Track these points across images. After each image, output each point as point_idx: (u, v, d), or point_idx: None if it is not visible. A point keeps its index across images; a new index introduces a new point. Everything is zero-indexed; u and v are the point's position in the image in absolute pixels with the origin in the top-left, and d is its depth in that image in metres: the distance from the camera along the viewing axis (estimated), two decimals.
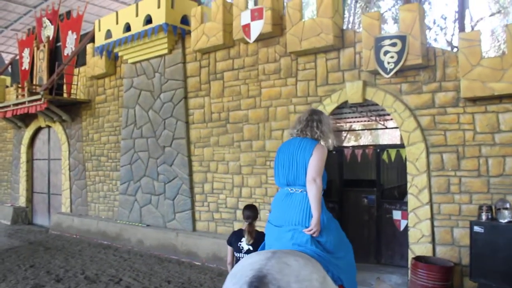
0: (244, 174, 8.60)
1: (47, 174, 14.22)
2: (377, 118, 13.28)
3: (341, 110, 11.35)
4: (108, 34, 10.70)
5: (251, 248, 4.41)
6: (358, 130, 19.40)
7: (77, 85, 12.59)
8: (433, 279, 5.95)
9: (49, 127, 13.94)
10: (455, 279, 6.25)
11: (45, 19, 14.27)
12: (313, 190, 3.32)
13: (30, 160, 14.90)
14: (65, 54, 13.01)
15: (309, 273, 2.81)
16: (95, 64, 11.66)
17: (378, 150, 9.19)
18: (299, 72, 7.98)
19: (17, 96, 13.70)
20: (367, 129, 18.48)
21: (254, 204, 5.53)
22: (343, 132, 16.67)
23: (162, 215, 9.97)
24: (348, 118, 13.88)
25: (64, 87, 12.84)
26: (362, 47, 7.15)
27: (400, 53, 6.67)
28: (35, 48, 14.35)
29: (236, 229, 5.07)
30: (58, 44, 13.65)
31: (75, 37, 12.86)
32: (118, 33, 10.35)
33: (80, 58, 12.61)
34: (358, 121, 14.82)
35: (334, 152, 9.87)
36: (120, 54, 10.76)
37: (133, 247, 10.11)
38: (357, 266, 8.36)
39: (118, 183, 11.24)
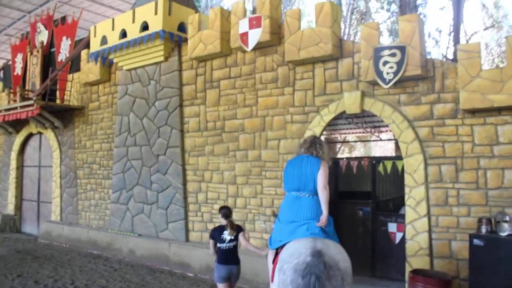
0: (239, 184, 8.48)
1: (37, 181, 14.00)
2: (372, 130, 13.26)
3: (336, 121, 11.31)
4: (104, 40, 10.59)
5: (232, 238, 5.57)
6: (353, 141, 19.37)
7: (70, 91, 12.45)
8: None
9: (40, 133, 13.75)
10: None
11: (39, 24, 14.17)
12: (324, 194, 4.29)
13: (20, 167, 14.66)
14: (59, 60, 12.89)
15: (340, 248, 3.99)
16: (90, 70, 11.54)
17: (374, 162, 9.11)
18: (296, 81, 7.92)
19: (8, 102, 13.54)
20: (362, 141, 18.46)
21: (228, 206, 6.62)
22: (337, 143, 16.61)
23: (154, 224, 9.80)
24: (343, 129, 13.85)
25: (57, 93, 12.70)
26: (360, 57, 7.11)
27: (399, 64, 6.63)
28: (29, 53, 14.22)
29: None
30: (52, 49, 13.54)
31: (69, 43, 12.75)
32: (114, 39, 10.25)
33: (74, 64, 12.48)
34: (352, 133, 14.80)
35: (328, 164, 9.80)
36: (115, 60, 10.65)
37: (124, 257, 9.92)
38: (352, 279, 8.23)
39: (110, 191, 11.06)
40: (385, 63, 6.75)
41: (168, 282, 7.93)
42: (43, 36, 14.02)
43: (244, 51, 8.47)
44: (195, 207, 9.18)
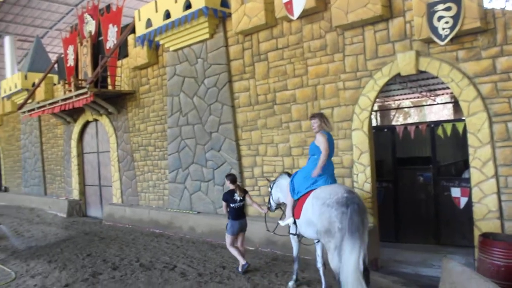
0: (295, 155, 8.37)
1: (97, 166, 14.52)
2: (428, 94, 12.77)
3: (389, 87, 10.95)
4: (149, 23, 10.67)
5: (241, 198, 6.93)
6: (408, 107, 18.77)
7: (120, 77, 12.71)
8: (505, 257, 5.54)
9: (96, 120, 14.20)
10: None
11: (86, 15, 14.48)
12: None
13: (81, 154, 15.26)
14: (107, 47, 13.14)
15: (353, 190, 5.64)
16: (137, 54, 11.69)
17: (433, 126, 8.79)
18: (346, 46, 7.65)
19: (64, 92, 14.00)
20: (417, 106, 17.86)
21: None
22: (391, 110, 16.15)
23: (212, 201, 9.91)
24: (397, 95, 13.42)
25: (109, 79, 13.00)
26: (412, 15, 6.75)
27: (455, 18, 6.23)
28: (79, 44, 14.62)
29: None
30: (100, 38, 13.83)
31: (116, 30, 12.95)
32: (158, 21, 10.29)
33: (122, 50, 12.70)
34: (407, 98, 14.32)
35: (385, 130, 9.53)
36: (161, 42, 10.72)
37: (185, 235, 10.14)
38: (415, 247, 8.10)
39: (166, 171, 11.28)
40: (439, 18, 6.36)
41: (230, 257, 8.01)
42: (90, 26, 14.33)
43: (290, 21, 8.27)
44: (251, 182, 9.18)
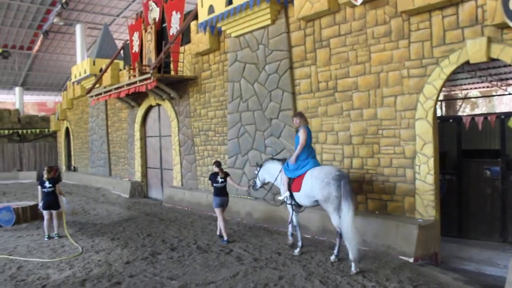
0: (355, 144, 8.22)
1: (159, 150, 14.97)
2: (499, 83, 12.11)
3: (456, 75, 10.47)
4: (211, 9, 10.77)
5: (223, 180, 8.46)
6: (476, 97, 17.90)
7: (183, 62, 12.96)
8: None
9: (159, 105, 14.61)
10: None
11: (151, 3, 14.86)
12: None
13: (143, 138, 15.79)
14: (171, 34, 13.44)
15: None
16: (200, 40, 11.86)
17: (503, 117, 8.34)
18: (412, 33, 7.36)
19: (129, 77, 14.49)
20: (487, 96, 16.99)
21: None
22: (458, 100, 15.47)
23: (270, 187, 9.92)
24: (464, 84, 12.84)
25: (171, 65, 13.30)
26: None
27: None
28: (143, 31, 15.05)
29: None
30: (164, 25, 14.17)
31: (179, 17, 13.22)
32: (220, 7, 10.38)
33: (185, 37, 12.94)
34: (475, 88, 13.66)
35: (450, 121, 9.15)
36: (223, 28, 10.81)
37: (242, 220, 10.26)
38: (479, 244, 7.77)
39: (226, 157, 11.44)
40: None
41: (286, 243, 8.03)
42: (155, 13, 14.71)
43: (353, 6, 8.07)
44: None
